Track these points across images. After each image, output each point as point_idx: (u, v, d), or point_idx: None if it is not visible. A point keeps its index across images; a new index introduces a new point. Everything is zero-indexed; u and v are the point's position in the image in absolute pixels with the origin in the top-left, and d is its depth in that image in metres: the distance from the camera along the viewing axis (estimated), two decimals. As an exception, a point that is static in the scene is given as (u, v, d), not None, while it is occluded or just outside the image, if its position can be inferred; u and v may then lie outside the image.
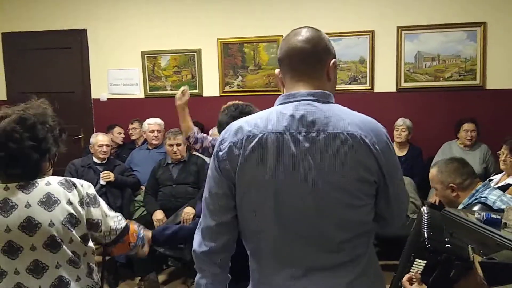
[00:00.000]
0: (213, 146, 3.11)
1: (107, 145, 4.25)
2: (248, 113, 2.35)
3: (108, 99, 5.44)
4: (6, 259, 1.56)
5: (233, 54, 5.22)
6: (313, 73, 1.36)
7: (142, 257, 2.00)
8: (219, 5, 5.19)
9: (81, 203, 1.63)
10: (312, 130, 1.27)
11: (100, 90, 5.52)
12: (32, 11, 5.58)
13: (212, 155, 1.37)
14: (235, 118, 2.27)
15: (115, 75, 5.49)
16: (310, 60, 1.36)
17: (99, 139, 4.25)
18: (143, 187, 4.27)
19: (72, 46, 5.55)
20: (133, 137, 5.16)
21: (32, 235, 1.55)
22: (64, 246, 1.59)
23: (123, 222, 1.75)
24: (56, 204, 1.57)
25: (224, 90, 5.28)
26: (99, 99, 5.51)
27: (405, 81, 4.90)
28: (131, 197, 4.29)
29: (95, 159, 4.22)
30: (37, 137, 1.59)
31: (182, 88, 3.07)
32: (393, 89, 4.92)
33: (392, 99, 4.91)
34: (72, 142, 5.37)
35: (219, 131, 2.40)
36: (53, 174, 1.72)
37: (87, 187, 1.68)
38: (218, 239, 1.39)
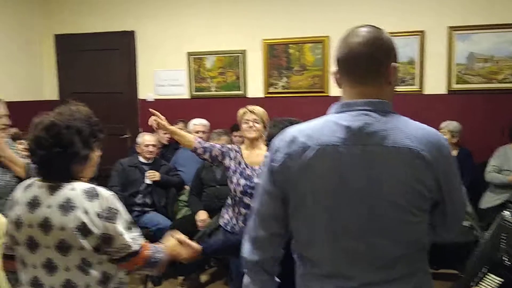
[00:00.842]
0: (223, 153, 3.09)
1: (153, 145, 4.31)
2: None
3: (154, 99, 5.54)
4: (28, 252, 1.67)
5: (278, 55, 5.19)
6: (372, 79, 1.29)
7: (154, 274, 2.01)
8: (264, 6, 5.18)
9: (99, 215, 1.62)
10: (369, 143, 1.22)
11: (146, 91, 5.63)
12: (83, 13, 5.75)
13: (265, 165, 1.36)
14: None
15: (161, 76, 5.58)
16: (368, 65, 1.29)
17: (146, 139, 4.32)
18: (187, 187, 4.31)
19: (120, 47, 5.69)
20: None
21: (47, 235, 1.63)
22: (74, 252, 1.62)
23: (136, 246, 1.70)
24: (72, 210, 1.61)
25: (269, 91, 5.26)
26: (145, 99, 5.61)
27: (457, 82, 4.72)
28: (175, 197, 4.35)
29: (141, 159, 4.29)
30: (63, 143, 1.64)
31: (152, 118, 3.04)
32: (444, 91, 4.75)
33: (443, 101, 4.75)
34: (119, 141, 5.50)
35: (269, 145, 2.35)
36: (100, 173, 1.76)
37: (111, 201, 1.66)
38: (269, 249, 1.39)
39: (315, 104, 4.98)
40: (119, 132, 5.56)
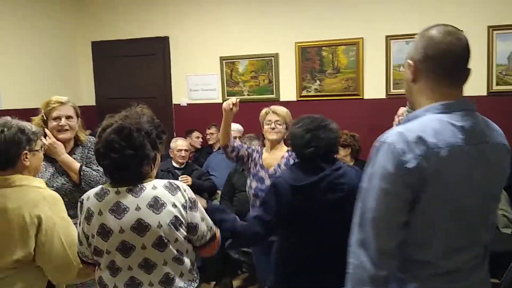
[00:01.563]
0: (249, 154, 3.06)
1: (185, 150, 4.34)
2: (326, 126, 2.24)
3: (187, 104, 5.58)
4: (121, 257, 1.68)
5: (311, 58, 5.14)
6: (462, 81, 1.36)
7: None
8: (297, 9, 5.14)
9: (184, 206, 1.71)
10: (481, 142, 1.31)
11: (180, 96, 5.68)
12: (119, 21, 5.87)
13: (389, 168, 1.27)
14: (310, 131, 2.20)
15: (194, 80, 5.62)
16: (465, 69, 1.35)
17: (178, 144, 4.35)
18: (219, 192, 4.31)
19: (155, 53, 5.76)
20: (211, 142, 5.25)
21: (142, 236, 1.66)
22: (170, 246, 1.68)
23: (214, 229, 1.83)
24: (163, 207, 1.66)
25: (302, 94, 5.21)
26: (179, 104, 5.67)
27: (497, 84, 4.54)
28: (208, 201, 4.35)
29: (174, 164, 4.33)
30: (134, 145, 1.67)
31: (235, 99, 3.02)
32: (484, 93, 4.58)
33: (483, 103, 4.55)
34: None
35: (293, 144, 2.30)
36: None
37: (188, 192, 1.75)
38: (396, 258, 1.32)
39: (349, 107, 4.92)
40: (153, 137, 5.62)
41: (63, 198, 2.46)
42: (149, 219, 1.65)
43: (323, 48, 5.08)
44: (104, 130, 1.70)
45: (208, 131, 5.24)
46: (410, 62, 1.36)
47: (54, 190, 2.45)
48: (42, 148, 2.07)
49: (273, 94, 5.32)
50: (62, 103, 2.57)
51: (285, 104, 5.22)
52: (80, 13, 6.02)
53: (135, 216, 1.65)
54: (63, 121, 2.54)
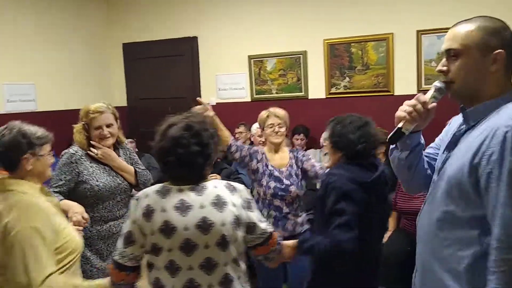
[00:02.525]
0: (250, 155, 3.06)
1: (215, 148, 4.35)
2: (369, 123, 2.24)
3: (216, 103, 5.61)
4: (182, 255, 1.67)
5: (340, 55, 5.09)
6: None
7: (272, 266, 2.03)
8: (325, 5, 5.10)
9: (243, 206, 1.73)
10: None
11: (209, 95, 5.71)
12: (149, 22, 5.95)
13: None
14: (360, 128, 2.19)
15: (223, 80, 5.64)
16: None
17: (208, 143, 4.37)
18: (248, 191, 4.31)
19: (184, 53, 5.82)
20: (239, 141, 5.25)
21: (206, 234, 1.66)
22: (231, 246, 1.70)
23: (270, 228, 1.84)
24: (225, 206, 1.69)
25: (330, 91, 5.17)
26: (208, 103, 5.68)
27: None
28: (238, 200, 4.35)
29: (203, 162, 4.35)
30: (202, 143, 1.69)
31: (206, 103, 3.05)
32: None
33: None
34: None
35: (342, 142, 2.23)
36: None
37: (245, 192, 1.78)
38: None
39: (380, 103, 4.84)
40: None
41: (115, 197, 2.61)
42: (213, 217, 1.66)
43: (352, 44, 5.02)
44: (168, 128, 1.72)
45: (237, 130, 5.25)
46: (501, 51, 1.40)
47: (110, 190, 2.57)
48: (50, 154, 2.02)
49: (301, 92, 5.29)
50: (101, 112, 2.63)
51: (314, 101, 5.21)
52: (111, 16, 6.13)
53: (200, 214, 1.66)
54: (105, 130, 2.62)
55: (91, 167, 2.59)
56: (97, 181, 2.56)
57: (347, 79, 5.09)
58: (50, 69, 5.30)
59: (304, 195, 4.01)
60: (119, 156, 2.74)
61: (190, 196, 1.69)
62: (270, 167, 3.05)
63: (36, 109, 5.09)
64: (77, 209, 2.33)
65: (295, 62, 5.29)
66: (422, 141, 1.66)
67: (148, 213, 1.69)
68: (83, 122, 2.64)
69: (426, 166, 1.69)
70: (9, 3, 4.89)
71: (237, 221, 1.70)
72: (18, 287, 1.74)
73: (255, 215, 1.78)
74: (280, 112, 3.14)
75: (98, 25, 6.03)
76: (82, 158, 2.58)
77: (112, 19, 6.14)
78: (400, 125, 1.54)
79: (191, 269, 1.68)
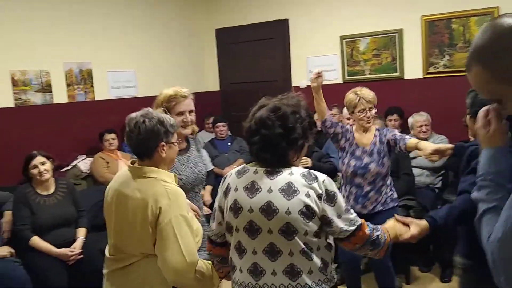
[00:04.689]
0: (342, 133, 3.13)
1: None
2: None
3: (307, 86, 5.56)
4: (247, 237, 1.68)
5: (439, 32, 4.79)
6: None
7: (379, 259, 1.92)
8: (423, -20, 4.81)
9: (319, 197, 1.62)
10: None
11: (300, 78, 5.66)
12: (240, 7, 6.02)
13: None
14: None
15: (314, 62, 5.57)
16: None
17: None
18: (339, 174, 4.24)
19: (275, 36, 5.82)
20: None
21: (270, 219, 1.62)
22: (298, 236, 1.61)
23: (352, 227, 1.67)
24: (295, 194, 1.61)
25: (428, 71, 4.89)
26: (299, 86, 5.66)
27: None
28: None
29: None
30: (287, 126, 1.65)
31: (317, 70, 3.08)
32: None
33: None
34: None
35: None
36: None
37: (328, 184, 1.65)
38: None
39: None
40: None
41: (194, 189, 2.56)
42: (278, 203, 1.61)
43: (453, 20, 4.70)
44: (259, 109, 1.71)
45: (329, 112, 5.16)
46: None
47: (192, 182, 2.53)
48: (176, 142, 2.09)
49: (396, 72, 5.07)
50: (185, 97, 2.47)
51: (410, 82, 4.97)
52: (204, 2, 6.29)
53: (266, 198, 1.63)
54: (188, 117, 2.48)
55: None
56: (179, 174, 2.45)
57: (447, 57, 4.78)
58: (148, 56, 5.58)
59: (400, 180, 3.88)
60: (189, 148, 2.61)
61: (261, 179, 1.66)
62: (354, 146, 3.13)
63: (137, 95, 5.40)
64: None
65: (389, 41, 5.07)
66: None
67: (226, 191, 1.75)
68: (162, 108, 2.38)
69: None
70: (111, -5, 5.20)
71: (308, 212, 1.60)
72: (174, 267, 1.86)
73: (335, 211, 1.64)
74: (369, 95, 3.11)
75: (192, 12, 6.22)
76: None
77: (206, 5, 6.29)
78: None
79: (255, 253, 1.67)
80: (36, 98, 4.54)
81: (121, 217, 1.98)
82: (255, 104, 1.76)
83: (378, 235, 1.75)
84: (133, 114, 2.02)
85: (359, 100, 3.08)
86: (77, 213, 3.68)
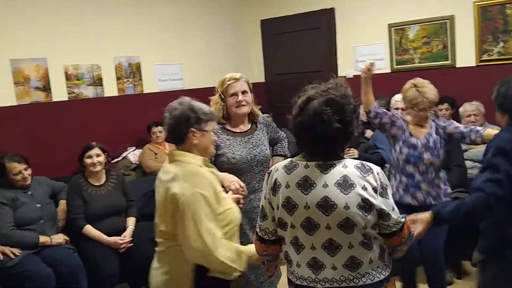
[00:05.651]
0: (392, 122, 3.04)
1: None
2: None
3: (354, 76, 5.46)
4: (304, 234, 1.63)
5: (493, 18, 4.57)
6: None
7: (399, 257, 1.85)
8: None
9: (375, 190, 1.58)
10: None
11: (346, 68, 5.58)
12: (285, -4, 5.97)
13: None
14: None
15: (361, 51, 5.46)
16: None
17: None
18: (387, 166, 4.16)
19: (320, 26, 5.74)
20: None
21: (328, 215, 1.58)
22: (357, 230, 1.58)
23: (402, 219, 1.67)
24: (352, 188, 1.56)
25: (482, 59, 4.69)
26: (345, 76, 5.57)
27: None
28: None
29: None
30: (344, 120, 1.58)
31: (370, 62, 3.09)
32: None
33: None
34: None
35: (506, 103, 2.17)
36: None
37: (382, 177, 1.62)
38: None
39: (541, 70, 4.27)
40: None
41: (253, 169, 2.63)
42: (336, 198, 1.56)
43: (508, 5, 4.47)
44: (308, 102, 1.61)
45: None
46: None
47: (247, 162, 2.61)
48: (213, 132, 2.10)
49: (448, 60, 4.89)
50: (237, 79, 2.66)
51: (463, 70, 4.78)
52: (249, -7, 6.29)
53: (322, 193, 1.58)
54: (240, 96, 2.64)
55: (227, 139, 2.66)
56: (233, 153, 2.60)
57: (502, 44, 4.56)
58: (194, 49, 5.65)
59: (451, 172, 3.75)
60: (255, 131, 2.76)
61: (314, 174, 1.60)
62: (407, 134, 3.05)
63: (183, 88, 5.48)
64: (231, 178, 2.41)
65: (440, 28, 4.89)
66: None
67: (275, 187, 1.69)
68: (219, 93, 2.67)
69: None
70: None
71: (366, 206, 1.56)
72: (194, 251, 1.89)
73: (388, 203, 1.61)
74: (433, 94, 2.99)
75: (238, 4, 6.23)
76: (218, 132, 2.62)
77: (250, -4, 6.29)
78: None
79: (313, 249, 1.63)
80: (88, 92, 4.70)
81: (158, 201, 2.05)
82: (300, 94, 1.67)
83: (411, 230, 1.75)
84: (172, 102, 2.08)
85: (422, 99, 2.95)
86: (127, 203, 3.79)
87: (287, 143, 3.07)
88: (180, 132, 2.03)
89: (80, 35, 4.58)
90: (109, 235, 3.55)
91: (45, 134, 4.36)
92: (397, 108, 4.42)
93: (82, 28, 4.60)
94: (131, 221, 3.74)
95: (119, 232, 3.62)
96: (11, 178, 3.42)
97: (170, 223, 1.97)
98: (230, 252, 1.96)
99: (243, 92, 2.66)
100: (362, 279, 1.62)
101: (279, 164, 1.74)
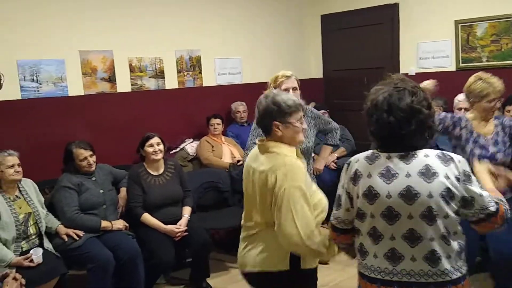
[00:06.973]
0: (454, 123, 2.99)
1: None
2: None
3: (416, 73, 5.30)
4: (384, 223, 1.66)
5: None
6: None
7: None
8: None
9: (458, 179, 1.59)
10: None
11: (408, 65, 5.42)
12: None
13: None
14: None
15: (425, 48, 5.28)
16: None
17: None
18: (466, 163, 4.01)
19: (383, 21, 5.60)
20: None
21: (410, 204, 1.60)
22: (439, 220, 1.59)
23: (493, 207, 1.64)
24: (435, 177, 1.58)
25: (557, 58, 4.41)
26: (407, 73, 5.41)
27: None
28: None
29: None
30: (414, 109, 1.61)
31: (432, 82, 3.14)
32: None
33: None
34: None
35: None
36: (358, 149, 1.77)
37: (463, 164, 1.63)
38: None
39: None
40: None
41: (307, 154, 2.86)
42: (419, 188, 1.58)
43: None
44: (380, 94, 1.65)
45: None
46: None
47: (305, 151, 2.84)
48: (300, 122, 2.10)
49: (519, 59, 4.63)
50: (288, 77, 3.04)
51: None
52: (310, -12, 6.23)
53: (405, 183, 1.60)
54: (291, 92, 2.88)
55: None
56: (308, 138, 2.90)
57: None
58: (253, 44, 5.68)
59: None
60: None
61: (397, 164, 1.63)
62: (475, 134, 2.97)
63: (241, 82, 5.53)
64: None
65: (511, 26, 4.64)
66: None
67: (356, 177, 1.72)
68: (272, 87, 2.97)
69: None
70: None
71: (449, 195, 1.57)
72: (288, 238, 1.94)
73: (473, 189, 1.60)
74: (500, 85, 2.94)
75: (298, -1, 6.20)
76: None
77: (312, -9, 6.23)
78: None
79: (393, 239, 1.64)
80: (150, 84, 4.85)
81: (249, 189, 2.13)
82: (369, 94, 1.69)
83: (507, 209, 1.69)
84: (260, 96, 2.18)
85: (493, 89, 2.90)
86: (183, 193, 3.90)
87: (338, 134, 3.45)
88: (266, 125, 2.09)
89: (144, 28, 4.73)
90: (165, 224, 3.66)
91: (109, 123, 4.55)
92: (460, 109, 4.25)
93: (146, 22, 4.75)
94: (186, 211, 3.84)
95: (175, 221, 3.73)
96: (78, 164, 3.60)
97: (265, 211, 2.03)
98: (325, 239, 1.99)
99: (294, 89, 3.02)
100: (441, 276, 1.62)
101: (360, 155, 1.77)
